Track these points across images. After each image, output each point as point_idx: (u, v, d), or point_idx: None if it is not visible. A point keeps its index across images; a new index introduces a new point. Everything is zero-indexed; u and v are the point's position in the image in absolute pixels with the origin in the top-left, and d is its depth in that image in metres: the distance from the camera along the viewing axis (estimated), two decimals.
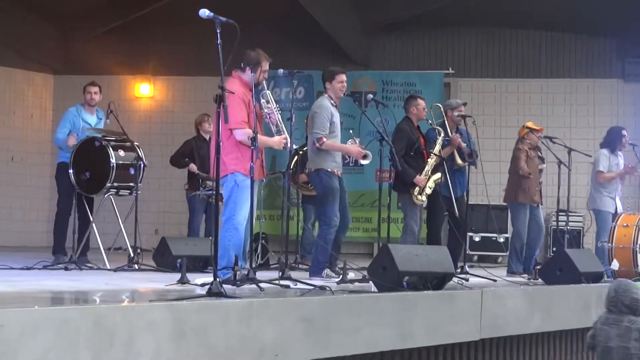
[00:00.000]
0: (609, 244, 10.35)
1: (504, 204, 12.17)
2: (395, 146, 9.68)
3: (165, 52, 16.92)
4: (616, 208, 11.54)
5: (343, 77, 9.39)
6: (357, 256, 14.12)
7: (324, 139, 9.07)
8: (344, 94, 9.48)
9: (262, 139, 7.92)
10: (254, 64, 7.89)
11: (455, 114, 10.90)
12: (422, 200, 10.29)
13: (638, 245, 10.21)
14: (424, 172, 10.29)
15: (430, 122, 10.83)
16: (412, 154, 10.27)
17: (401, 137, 10.27)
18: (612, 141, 11.84)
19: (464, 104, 11.22)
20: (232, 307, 5.33)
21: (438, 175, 10.38)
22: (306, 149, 10.07)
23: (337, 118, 9.29)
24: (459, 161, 10.78)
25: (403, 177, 10.05)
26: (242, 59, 7.87)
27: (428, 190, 10.29)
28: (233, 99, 7.45)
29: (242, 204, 7.67)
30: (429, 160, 10.39)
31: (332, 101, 9.30)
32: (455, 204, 10.55)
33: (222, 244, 7.35)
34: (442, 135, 10.63)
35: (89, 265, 9.86)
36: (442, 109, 10.91)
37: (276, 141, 8.13)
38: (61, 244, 10.64)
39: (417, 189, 10.21)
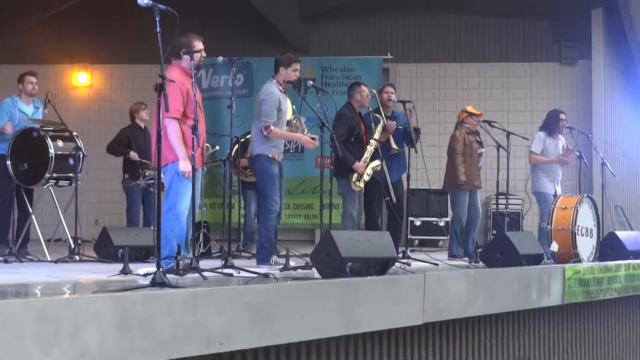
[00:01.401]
0: (549, 226, 10.46)
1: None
2: (337, 131, 9.68)
3: (102, 41, 16.77)
4: (556, 191, 11.66)
5: (298, 65, 9.37)
6: (298, 243, 14.16)
7: (272, 127, 9.04)
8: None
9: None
10: (192, 49, 7.78)
11: (385, 96, 10.94)
12: (360, 187, 10.33)
13: (577, 227, 10.33)
14: (362, 159, 10.32)
15: (370, 108, 10.87)
16: (352, 140, 10.30)
17: (343, 123, 10.29)
18: (550, 124, 11.96)
19: (391, 85, 11.25)
20: (176, 296, 5.30)
21: (377, 162, 10.40)
22: (249, 137, 10.01)
23: (285, 105, 9.26)
24: (394, 146, 10.83)
25: (343, 162, 10.06)
26: (176, 47, 7.75)
27: (366, 177, 10.33)
28: (171, 87, 7.30)
29: (183, 194, 7.60)
30: (367, 147, 10.43)
31: (280, 87, 9.26)
32: (391, 189, 10.58)
33: (163, 233, 7.17)
34: (382, 122, 10.66)
35: (29, 257, 9.74)
36: (375, 95, 10.93)
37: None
38: (4, 235, 10.51)
39: (355, 175, 10.25)
